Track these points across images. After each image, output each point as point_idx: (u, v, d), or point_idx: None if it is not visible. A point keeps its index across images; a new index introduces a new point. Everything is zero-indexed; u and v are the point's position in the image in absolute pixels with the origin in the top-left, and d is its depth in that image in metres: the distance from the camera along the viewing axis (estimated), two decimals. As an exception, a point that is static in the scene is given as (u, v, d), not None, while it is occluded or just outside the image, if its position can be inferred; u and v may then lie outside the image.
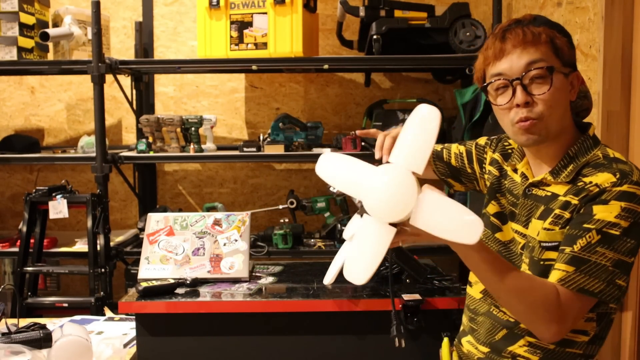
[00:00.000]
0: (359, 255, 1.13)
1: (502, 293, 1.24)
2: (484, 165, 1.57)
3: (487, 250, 1.24)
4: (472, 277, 1.51)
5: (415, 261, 1.94)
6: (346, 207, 3.11)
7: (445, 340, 1.58)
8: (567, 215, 1.28)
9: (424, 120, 1.17)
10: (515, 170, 1.45)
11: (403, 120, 3.04)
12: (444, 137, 3.06)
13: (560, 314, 1.22)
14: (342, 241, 1.73)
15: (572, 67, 1.32)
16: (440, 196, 1.09)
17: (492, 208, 1.48)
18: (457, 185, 1.66)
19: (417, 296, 1.74)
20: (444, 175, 1.67)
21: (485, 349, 1.41)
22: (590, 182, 1.26)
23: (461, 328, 1.55)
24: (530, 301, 1.23)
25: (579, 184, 1.28)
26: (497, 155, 1.52)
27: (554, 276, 1.25)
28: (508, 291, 1.23)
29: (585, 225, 1.24)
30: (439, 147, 1.68)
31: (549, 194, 1.34)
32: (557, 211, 1.30)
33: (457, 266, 2.99)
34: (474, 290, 1.49)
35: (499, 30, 1.33)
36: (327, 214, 3.09)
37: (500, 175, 1.49)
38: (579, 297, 1.23)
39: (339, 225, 2.94)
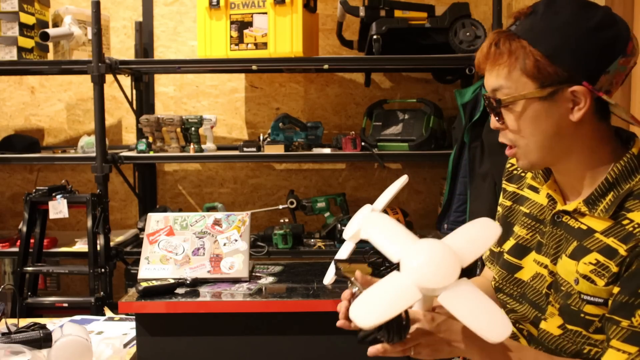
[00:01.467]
0: (374, 300, 1.03)
1: None
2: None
3: (485, 354, 1.08)
4: None
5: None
6: (346, 207, 3.11)
7: None
8: (614, 268, 1.05)
9: (484, 228, 1.12)
10: (534, 189, 1.25)
11: (403, 120, 3.05)
12: (443, 136, 3.06)
13: None
14: (342, 241, 1.73)
15: (563, 82, 1.06)
16: (478, 289, 1.02)
17: (508, 244, 1.27)
18: None
19: (417, 296, 1.74)
20: None
21: None
22: (639, 224, 1.03)
23: None
24: None
25: (624, 222, 1.05)
26: (504, 184, 1.34)
27: (611, 358, 1.04)
28: None
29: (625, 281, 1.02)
30: None
31: (584, 227, 1.11)
32: (597, 256, 1.07)
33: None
34: None
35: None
36: (327, 214, 3.09)
37: (513, 202, 1.30)
38: None
39: (339, 225, 2.94)
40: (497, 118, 1.14)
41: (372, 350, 1.08)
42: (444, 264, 1.03)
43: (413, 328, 1.05)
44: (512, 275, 1.24)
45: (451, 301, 1.00)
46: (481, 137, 2.57)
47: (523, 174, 1.30)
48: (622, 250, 1.04)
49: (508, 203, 1.31)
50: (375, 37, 2.80)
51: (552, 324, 1.15)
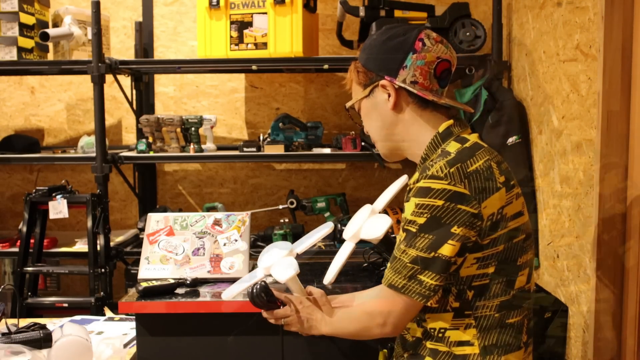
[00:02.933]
0: (237, 282, 1.66)
1: (340, 330, 1.46)
2: None
3: (325, 322, 1.48)
4: None
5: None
6: (346, 207, 3.11)
7: (382, 353, 1.65)
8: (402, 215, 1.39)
9: (321, 228, 1.79)
10: None
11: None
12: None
13: (382, 312, 1.33)
14: (342, 241, 1.73)
15: (374, 80, 1.40)
16: (289, 258, 1.62)
17: None
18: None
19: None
20: None
21: None
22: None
23: None
24: (354, 319, 1.42)
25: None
26: None
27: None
28: (340, 323, 1.45)
29: (401, 224, 1.35)
30: None
31: None
32: (402, 215, 1.39)
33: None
34: None
35: None
36: (327, 214, 3.09)
37: None
38: (391, 292, 1.32)
39: (339, 225, 2.94)
40: (363, 125, 1.49)
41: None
42: (273, 253, 1.64)
43: (287, 308, 1.51)
44: None
45: (273, 269, 1.60)
46: (481, 137, 2.57)
47: None
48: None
49: None
50: (375, 37, 2.80)
51: None
